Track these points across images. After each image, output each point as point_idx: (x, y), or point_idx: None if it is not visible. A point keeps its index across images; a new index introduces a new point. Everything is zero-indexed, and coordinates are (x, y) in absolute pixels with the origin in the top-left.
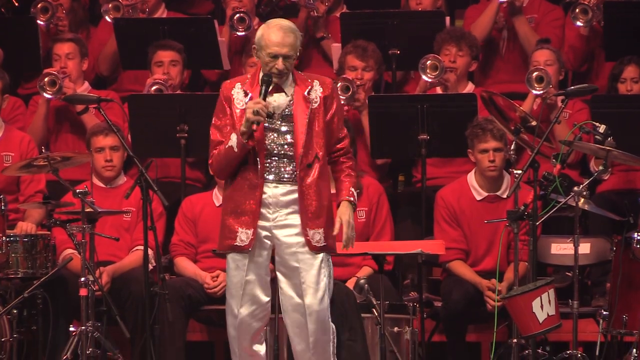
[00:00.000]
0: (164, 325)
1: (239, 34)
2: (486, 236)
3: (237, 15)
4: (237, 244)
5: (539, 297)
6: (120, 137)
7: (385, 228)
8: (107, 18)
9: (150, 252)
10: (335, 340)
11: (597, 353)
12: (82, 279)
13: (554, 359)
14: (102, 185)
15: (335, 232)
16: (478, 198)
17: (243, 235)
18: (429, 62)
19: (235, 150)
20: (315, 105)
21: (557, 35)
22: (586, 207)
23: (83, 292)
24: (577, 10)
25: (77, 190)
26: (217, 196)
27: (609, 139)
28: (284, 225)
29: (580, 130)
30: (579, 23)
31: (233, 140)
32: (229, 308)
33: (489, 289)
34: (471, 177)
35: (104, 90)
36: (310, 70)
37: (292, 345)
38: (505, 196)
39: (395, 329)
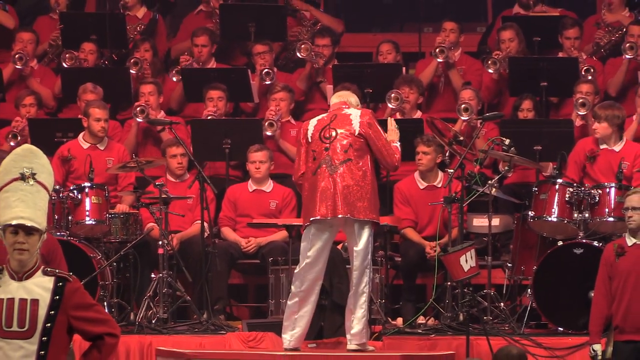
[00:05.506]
0: (214, 273)
1: (266, 82)
2: (427, 213)
3: (265, 70)
4: None
5: (465, 254)
6: (185, 148)
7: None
8: (174, 76)
9: (205, 224)
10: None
11: (504, 292)
12: (160, 242)
13: (475, 296)
14: (172, 179)
15: None
16: (421, 187)
17: None
18: (392, 94)
19: None
20: None
21: (477, 80)
22: (496, 194)
23: (160, 251)
24: (489, 62)
25: (157, 183)
26: (250, 185)
27: (511, 148)
28: None
29: (493, 143)
30: (490, 70)
31: None
32: None
33: (430, 247)
34: (417, 173)
35: (174, 116)
36: (311, 104)
37: None
38: (439, 186)
39: None
